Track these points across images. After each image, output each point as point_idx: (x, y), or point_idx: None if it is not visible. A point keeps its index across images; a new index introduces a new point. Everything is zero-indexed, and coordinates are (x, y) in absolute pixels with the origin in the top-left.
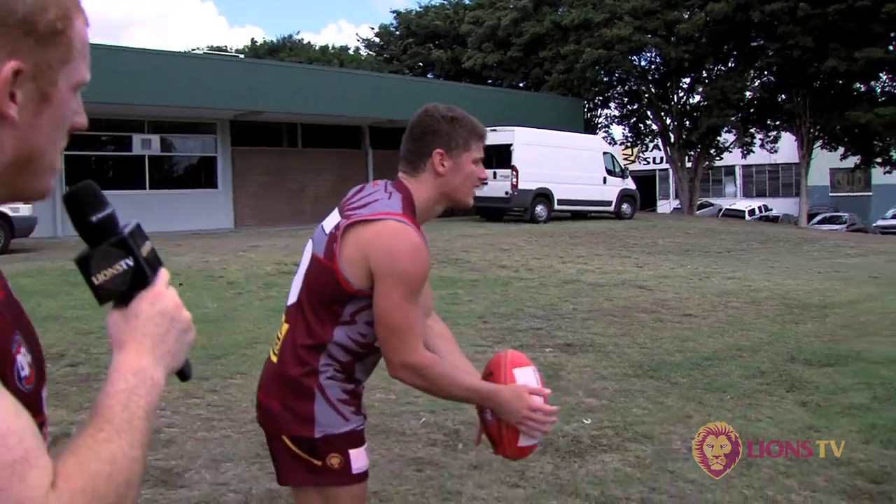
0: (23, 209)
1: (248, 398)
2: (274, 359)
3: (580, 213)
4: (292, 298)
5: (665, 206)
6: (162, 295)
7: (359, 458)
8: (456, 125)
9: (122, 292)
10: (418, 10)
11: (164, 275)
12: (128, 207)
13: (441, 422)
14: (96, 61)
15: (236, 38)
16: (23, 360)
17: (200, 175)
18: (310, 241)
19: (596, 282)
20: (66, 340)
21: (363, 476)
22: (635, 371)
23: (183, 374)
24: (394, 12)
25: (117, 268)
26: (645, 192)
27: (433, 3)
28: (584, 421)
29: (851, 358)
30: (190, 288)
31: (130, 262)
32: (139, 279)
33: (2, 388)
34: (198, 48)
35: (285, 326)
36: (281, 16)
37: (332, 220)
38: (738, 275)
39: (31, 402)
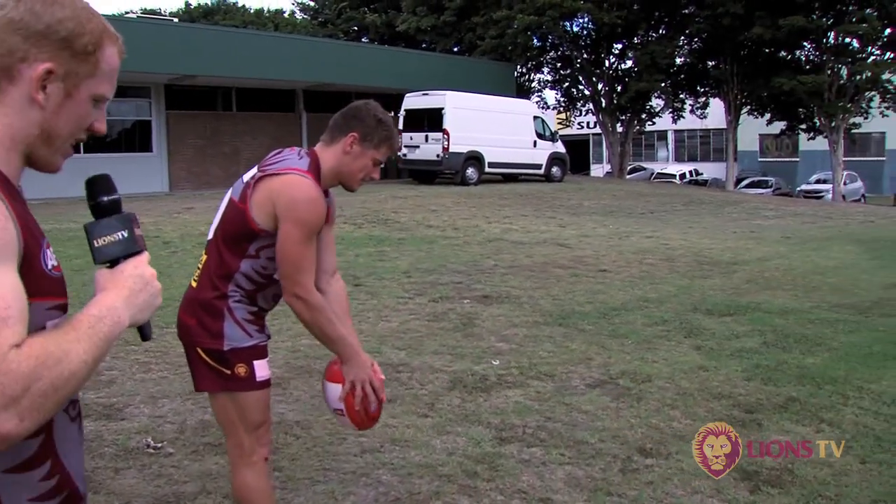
0: None
1: (180, 345)
2: (193, 284)
3: (511, 175)
4: (210, 234)
5: (598, 170)
6: (143, 264)
7: (262, 368)
8: (380, 127)
9: (115, 256)
10: None
11: (146, 255)
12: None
13: None
14: None
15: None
16: (51, 254)
17: (135, 139)
18: (230, 189)
19: (519, 240)
20: None
21: (266, 383)
22: (546, 319)
23: (144, 333)
24: None
25: (115, 237)
26: (578, 156)
27: None
28: (493, 362)
29: (750, 309)
30: None
31: (125, 234)
32: (129, 249)
33: (11, 267)
34: (130, 11)
35: (204, 257)
36: None
37: (250, 173)
38: (657, 234)
39: (57, 286)
